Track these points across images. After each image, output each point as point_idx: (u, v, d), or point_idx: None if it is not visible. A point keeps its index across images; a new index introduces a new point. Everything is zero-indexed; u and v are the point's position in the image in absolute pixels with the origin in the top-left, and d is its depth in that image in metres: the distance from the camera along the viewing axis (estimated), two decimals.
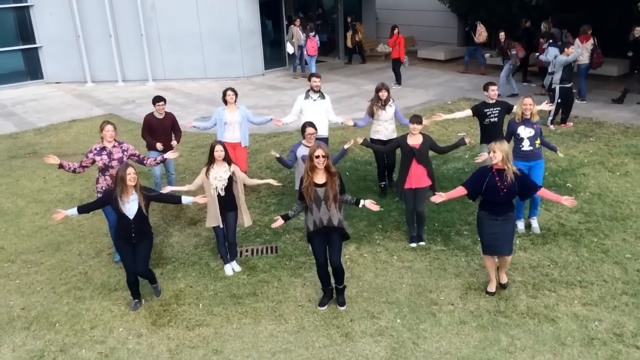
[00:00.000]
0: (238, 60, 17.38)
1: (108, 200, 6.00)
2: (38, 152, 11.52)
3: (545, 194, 5.96)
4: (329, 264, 5.99)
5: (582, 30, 12.74)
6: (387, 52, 19.50)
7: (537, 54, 13.23)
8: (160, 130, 8.31)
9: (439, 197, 6.04)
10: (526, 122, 7.15)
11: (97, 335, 5.86)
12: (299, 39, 16.63)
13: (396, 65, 15.34)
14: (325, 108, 8.45)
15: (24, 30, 17.51)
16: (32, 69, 17.92)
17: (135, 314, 6.17)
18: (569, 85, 11.23)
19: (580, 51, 12.23)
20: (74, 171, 6.88)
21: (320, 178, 5.73)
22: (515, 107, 7.70)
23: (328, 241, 5.91)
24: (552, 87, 11.42)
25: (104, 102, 15.43)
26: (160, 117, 8.32)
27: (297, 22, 16.75)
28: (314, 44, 16.43)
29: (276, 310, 6.14)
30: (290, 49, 17.08)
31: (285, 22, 18.16)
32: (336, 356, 5.41)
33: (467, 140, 7.43)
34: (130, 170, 5.82)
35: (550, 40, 12.63)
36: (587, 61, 12.66)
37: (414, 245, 7.28)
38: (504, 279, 6.27)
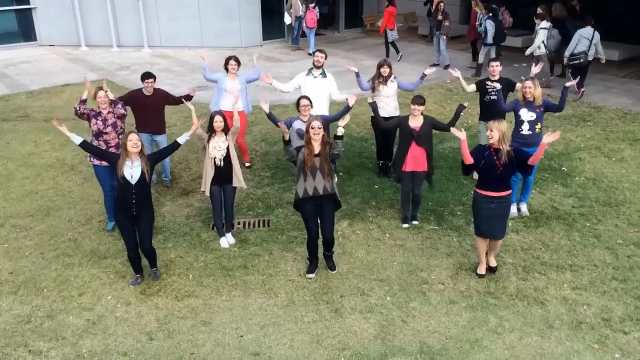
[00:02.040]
0: (236, 30, 17.08)
1: (114, 158, 5.85)
2: (30, 116, 11.35)
3: (535, 157, 5.76)
4: (319, 237, 6.12)
5: (545, 10, 12.82)
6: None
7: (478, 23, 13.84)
8: (149, 109, 7.81)
9: (460, 133, 5.88)
10: (529, 104, 7.00)
11: (85, 302, 5.83)
12: (297, 9, 16.34)
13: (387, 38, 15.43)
14: (325, 86, 8.11)
15: None
16: (25, 30, 17.54)
17: (124, 282, 6.13)
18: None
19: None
20: (81, 115, 6.80)
21: (316, 148, 5.88)
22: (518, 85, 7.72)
23: (321, 212, 6.03)
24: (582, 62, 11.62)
25: (98, 66, 15.17)
26: (149, 94, 7.82)
27: None
28: (313, 15, 16.14)
29: (266, 283, 6.12)
30: (287, 19, 16.77)
31: None
32: (325, 331, 5.41)
33: (466, 104, 7.26)
34: (132, 136, 5.74)
35: (490, 14, 13.23)
36: None
37: (406, 225, 7.23)
38: (493, 263, 6.25)
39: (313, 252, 6.20)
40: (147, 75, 7.77)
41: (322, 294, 5.95)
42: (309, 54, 16.15)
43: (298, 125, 6.90)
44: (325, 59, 8.12)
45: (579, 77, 11.44)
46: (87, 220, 7.42)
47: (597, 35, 11.45)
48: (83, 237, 7.03)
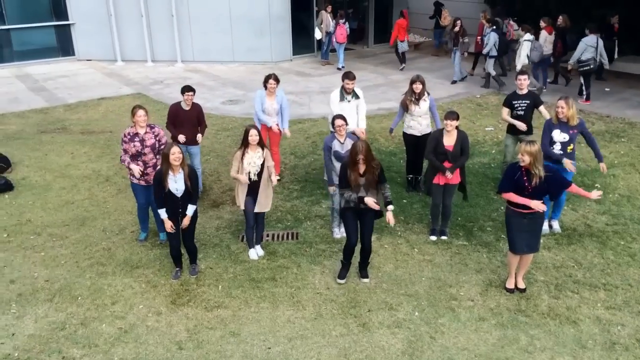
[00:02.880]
0: (267, 45, 17.34)
1: (160, 179, 6.08)
2: (67, 128, 11.69)
3: (575, 189, 5.89)
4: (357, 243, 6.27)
5: (547, 22, 13.37)
6: (417, 42, 19.27)
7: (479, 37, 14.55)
8: (185, 122, 7.95)
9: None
10: (563, 125, 6.82)
11: (118, 311, 5.96)
12: (327, 25, 16.51)
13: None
14: (358, 106, 8.04)
15: (58, 7, 17.72)
16: (64, 46, 18.14)
17: (155, 292, 6.25)
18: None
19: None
20: (125, 162, 6.91)
21: (361, 169, 6.00)
22: (542, 107, 7.74)
23: (361, 220, 6.18)
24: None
25: (133, 81, 15.56)
26: (187, 108, 7.96)
27: (329, 8, 16.61)
28: (343, 31, 16.29)
29: (294, 296, 6.15)
30: (318, 34, 16.96)
31: (315, 8, 18.03)
32: (352, 346, 5.41)
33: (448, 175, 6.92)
34: (174, 149, 5.97)
35: (494, 27, 13.85)
36: (550, 52, 13.32)
37: (434, 238, 7.20)
38: (522, 284, 6.16)
39: (347, 256, 6.33)
40: (187, 89, 7.91)
41: (350, 307, 5.95)
42: (338, 69, 16.29)
43: (336, 146, 6.86)
44: (354, 82, 7.93)
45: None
46: (121, 230, 7.59)
47: (601, 42, 12.09)
48: (116, 247, 7.19)
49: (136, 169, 6.75)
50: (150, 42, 17.53)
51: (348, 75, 7.91)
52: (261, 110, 8.42)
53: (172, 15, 17.08)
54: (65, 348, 5.43)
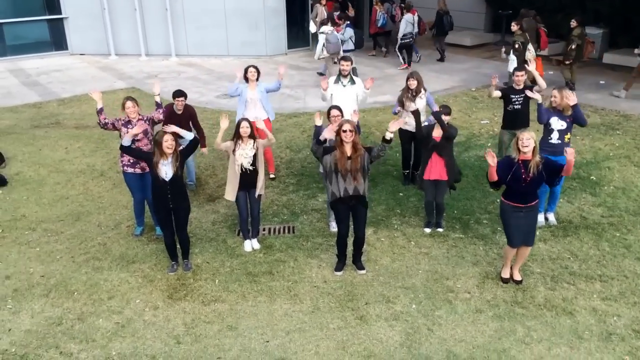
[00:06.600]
0: (261, 39, 17.26)
1: (149, 158, 6.16)
2: (61, 123, 11.62)
3: (568, 171, 5.69)
4: (349, 236, 6.30)
5: (407, 6, 15.25)
6: None
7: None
8: (178, 124, 7.82)
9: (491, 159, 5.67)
10: (559, 113, 6.87)
11: (114, 306, 5.94)
12: (322, 18, 16.43)
13: None
14: (355, 92, 8.06)
15: (50, 1, 17.55)
16: (57, 40, 17.99)
17: (152, 286, 6.23)
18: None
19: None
20: (104, 125, 6.88)
21: (348, 151, 5.97)
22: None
23: (353, 212, 6.18)
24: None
25: (126, 75, 15.47)
26: (179, 112, 7.96)
27: (323, 1, 16.53)
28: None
29: (291, 289, 6.15)
30: (313, 27, 16.89)
31: (310, 1, 17.95)
32: (350, 338, 5.41)
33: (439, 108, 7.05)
34: (167, 137, 6.01)
35: (348, 22, 14.07)
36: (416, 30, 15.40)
37: (428, 230, 7.23)
38: (518, 277, 6.17)
39: (341, 250, 6.36)
40: (178, 94, 7.90)
41: (347, 300, 5.95)
42: (334, 62, 16.23)
43: (327, 134, 6.85)
44: (352, 65, 8.14)
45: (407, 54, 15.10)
46: (116, 225, 7.56)
47: (416, 18, 14.98)
48: (112, 242, 7.16)
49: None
50: (144, 36, 17.42)
51: (345, 57, 8.24)
52: (235, 94, 8.55)
53: (166, 9, 16.97)
54: (63, 343, 5.42)
